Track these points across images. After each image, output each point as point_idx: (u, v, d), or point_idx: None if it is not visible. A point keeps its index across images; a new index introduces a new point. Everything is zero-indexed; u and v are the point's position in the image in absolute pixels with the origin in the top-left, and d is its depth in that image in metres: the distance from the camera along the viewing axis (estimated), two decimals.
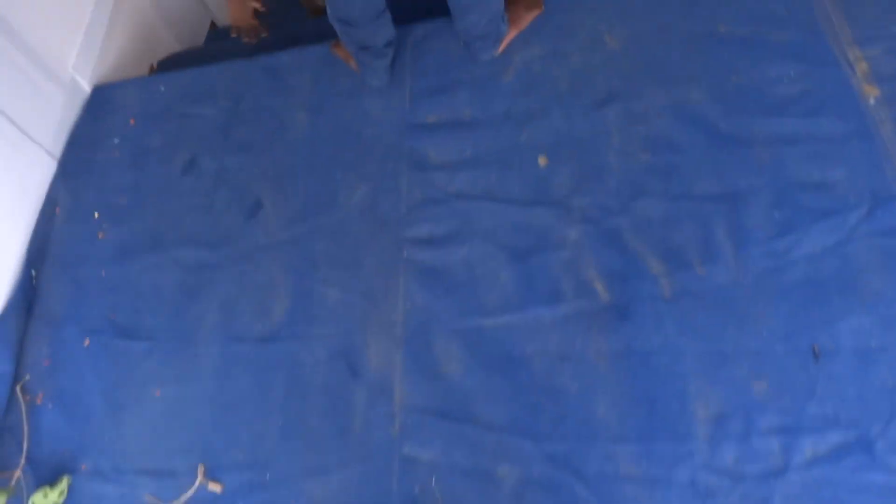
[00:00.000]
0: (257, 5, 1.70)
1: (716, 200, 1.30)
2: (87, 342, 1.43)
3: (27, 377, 1.43)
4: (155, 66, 2.08)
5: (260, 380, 1.32)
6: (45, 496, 1.27)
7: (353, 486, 1.22)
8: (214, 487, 1.25)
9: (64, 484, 1.29)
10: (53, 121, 1.72)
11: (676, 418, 1.16)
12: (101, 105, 1.82)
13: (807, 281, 1.20)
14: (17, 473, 1.31)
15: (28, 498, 1.29)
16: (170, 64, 2.09)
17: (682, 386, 1.17)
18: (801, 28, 1.44)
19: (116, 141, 1.73)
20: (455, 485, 1.18)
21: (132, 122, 1.76)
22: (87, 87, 1.86)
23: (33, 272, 1.54)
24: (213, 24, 2.50)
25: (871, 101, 1.33)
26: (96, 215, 1.60)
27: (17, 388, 1.40)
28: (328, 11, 1.52)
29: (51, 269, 1.54)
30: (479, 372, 1.25)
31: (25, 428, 1.36)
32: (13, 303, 1.48)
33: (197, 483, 1.26)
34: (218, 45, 2.21)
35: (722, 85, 1.42)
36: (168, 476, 1.29)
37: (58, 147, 1.72)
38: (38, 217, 1.61)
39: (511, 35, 1.60)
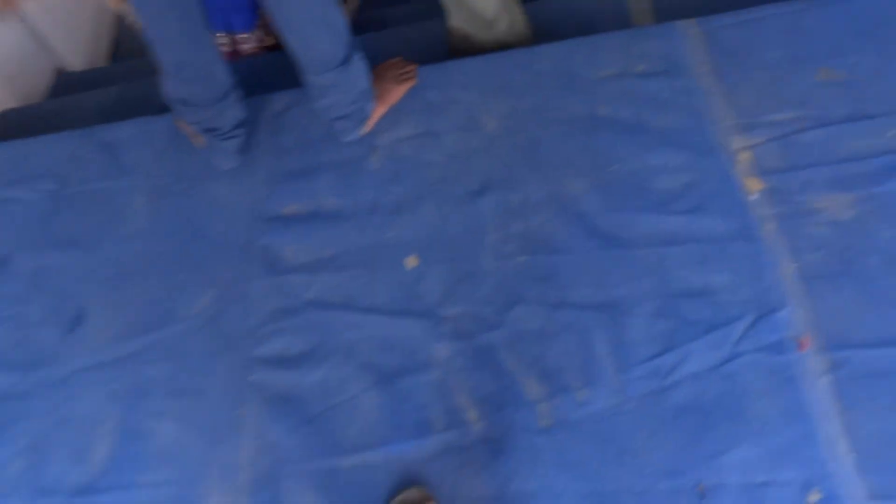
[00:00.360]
0: None
1: (596, 310, 1.19)
2: None
3: None
4: None
5: None
6: None
7: None
8: None
9: None
10: None
11: None
12: None
13: (691, 406, 1.10)
14: None
15: None
16: None
17: None
18: (684, 113, 1.36)
19: None
20: None
21: None
22: None
23: None
24: (59, 71, 2.22)
25: (754, 197, 1.25)
26: None
27: None
28: (163, 90, 1.32)
29: None
30: None
31: None
32: None
33: None
34: (60, 102, 1.94)
35: (602, 175, 1.32)
36: None
37: None
38: None
39: (379, 112, 1.44)
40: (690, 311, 1.16)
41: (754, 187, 1.26)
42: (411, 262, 1.29)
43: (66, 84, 2.20)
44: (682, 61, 1.42)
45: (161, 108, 1.60)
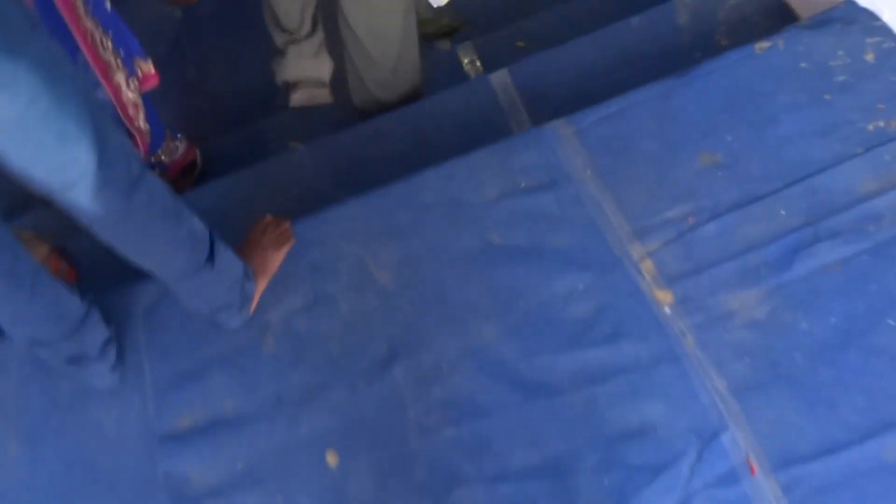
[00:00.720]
0: None
1: (538, 475, 1.12)
2: None
3: None
4: None
5: None
6: None
7: None
8: None
9: None
10: None
11: None
12: None
13: None
14: None
15: None
16: None
17: None
18: (577, 228, 1.31)
19: None
20: None
21: None
22: None
23: None
24: None
25: (667, 311, 1.21)
26: None
27: None
28: (7, 336, 1.15)
29: None
30: None
31: None
32: None
33: None
34: None
35: (511, 313, 1.25)
36: None
37: None
38: None
39: (261, 286, 1.32)
40: (634, 455, 1.11)
41: (665, 300, 1.22)
42: (332, 458, 1.17)
43: None
44: (563, 169, 1.37)
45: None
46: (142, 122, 1.49)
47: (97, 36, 1.27)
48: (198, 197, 1.63)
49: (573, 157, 1.38)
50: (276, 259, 1.34)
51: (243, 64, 2.31)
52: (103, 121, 0.89)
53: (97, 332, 1.20)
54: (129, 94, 1.40)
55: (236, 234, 1.53)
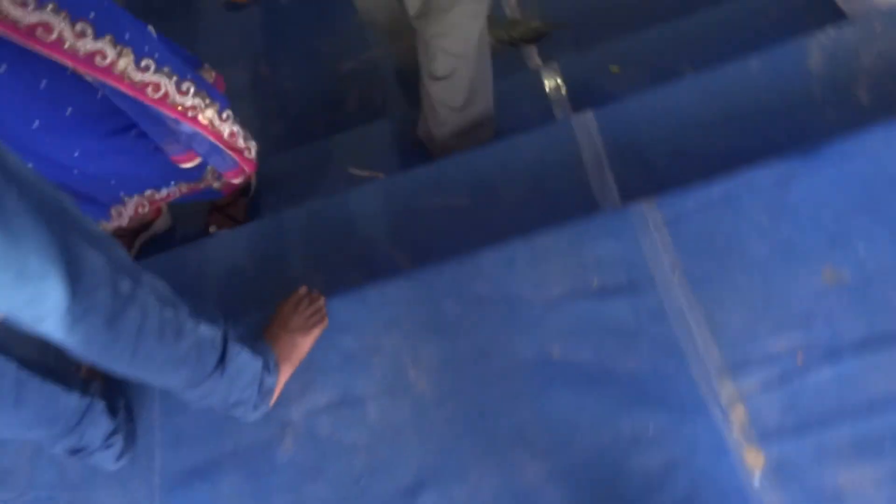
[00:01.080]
0: None
1: None
2: None
3: None
4: None
5: None
6: None
7: None
8: None
9: None
10: None
11: None
12: None
13: None
14: None
15: None
16: None
17: None
18: (657, 350, 1.08)
19: None
20: None
21: None
22: None
23: None
24: None
25: (757, 479, 0.98)
26: None
27: None
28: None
29: None
30: None
31: None
32: None
33: None
34: None
35: (564, 451, 1.05)
36: None
37: None
38: None
39: (285, 376, 1.17)
40: None
41: (756, 462, 0.99)
42: None
43: None
44: (646, 268, 1.14)
45: None
46: (241, 142, 1.39)
47: (170, 86, 1.17)
48: (240, 235, 1.50)
49: (660, 255, 1.15)
50: (305, 345, 1.19)
51: (317, 65, 2.16)
52: (82, 241, 0.74)
53: (99, 426, 1.09)
54: (225, 126, 1.33)
55: (278, 277, 1.41)
